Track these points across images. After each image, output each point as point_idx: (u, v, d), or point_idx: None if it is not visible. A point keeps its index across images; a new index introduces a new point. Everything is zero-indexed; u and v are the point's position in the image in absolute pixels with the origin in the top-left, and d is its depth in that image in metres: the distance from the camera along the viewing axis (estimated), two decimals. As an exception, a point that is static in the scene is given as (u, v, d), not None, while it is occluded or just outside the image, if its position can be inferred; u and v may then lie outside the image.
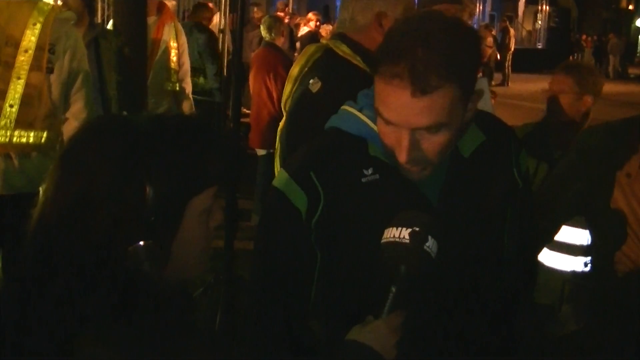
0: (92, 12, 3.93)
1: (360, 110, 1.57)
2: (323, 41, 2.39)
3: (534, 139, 3.10)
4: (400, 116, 1.38)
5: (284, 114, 2.37)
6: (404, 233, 1.34)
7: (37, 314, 1.12)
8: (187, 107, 5.00)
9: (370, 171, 1.52)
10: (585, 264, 2.33)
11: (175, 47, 4.82)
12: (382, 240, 1.37)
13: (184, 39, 5.07)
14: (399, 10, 2.19)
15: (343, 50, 2.21)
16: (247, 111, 7.23)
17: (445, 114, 1.38)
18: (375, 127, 1.51)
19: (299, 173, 1.54)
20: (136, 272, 1.13)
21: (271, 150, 5.78)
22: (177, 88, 4.88)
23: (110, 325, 1.10)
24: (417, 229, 1.33)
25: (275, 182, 1.58)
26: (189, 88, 5.10)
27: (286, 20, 9.76)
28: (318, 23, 10.86)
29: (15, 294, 1.16)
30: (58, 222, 1.15)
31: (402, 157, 1.42)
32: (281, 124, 2.36)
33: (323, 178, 1.52)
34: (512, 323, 1.72)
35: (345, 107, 1.61)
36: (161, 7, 4.85)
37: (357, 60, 2.18)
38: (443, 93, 1.35)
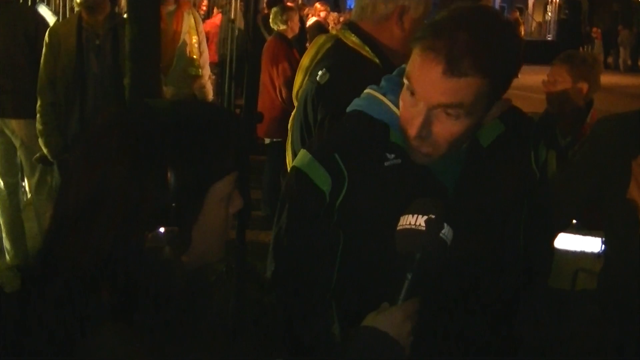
0: (114, 1, 3.96)
1: (384, 95, 1.58)
2: (333, 31, 2.38)
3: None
4: (424, 89, 1.40)
5: (295, 104, 2.37)
6: (420, 220, 1.34)
7: (37, 314, 1.12)
8: (207, 93, 5.10)
9: (392, 155, 1.53)
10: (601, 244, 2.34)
11: (195, 34, 4.94)
12: (398, 227, 1.37)
13: (202, 27, 5.22)
14: (421, 9, 2.17)
15: (352, 40, 2.19)
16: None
17: (467, 102, 1.39)
18: (398, 112, 1.52)
19: (323, 155, 1.55)
20: (136, 272, 1.13)
21: (275, 139, 5.81)
22: (200, 73, 4.96)
23: (110, 325, 1.10)
24: (433, 216, 1.34)
25: (297, 163, 1.58)
26: (207, 75, 5.20)
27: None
28: (326, 13, 10.76)
29: (15, 294, 1.16)
30: (60, 220, 1.16)
31: (412, 130, 1.43)
32: (292, 114, 2.37)
33: (347, 160, 1.53)
34: (514, 321, 1.72)
35: (369, 90, 1.62)
36: None
37: (365, 51, 2.16)
38: (471, 82, 1.36)
